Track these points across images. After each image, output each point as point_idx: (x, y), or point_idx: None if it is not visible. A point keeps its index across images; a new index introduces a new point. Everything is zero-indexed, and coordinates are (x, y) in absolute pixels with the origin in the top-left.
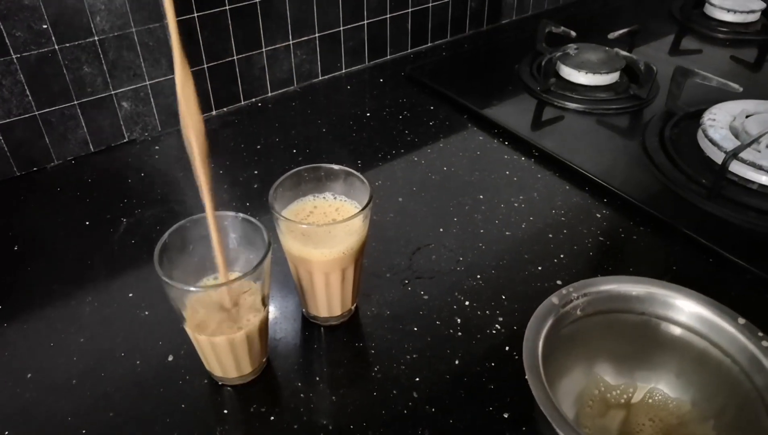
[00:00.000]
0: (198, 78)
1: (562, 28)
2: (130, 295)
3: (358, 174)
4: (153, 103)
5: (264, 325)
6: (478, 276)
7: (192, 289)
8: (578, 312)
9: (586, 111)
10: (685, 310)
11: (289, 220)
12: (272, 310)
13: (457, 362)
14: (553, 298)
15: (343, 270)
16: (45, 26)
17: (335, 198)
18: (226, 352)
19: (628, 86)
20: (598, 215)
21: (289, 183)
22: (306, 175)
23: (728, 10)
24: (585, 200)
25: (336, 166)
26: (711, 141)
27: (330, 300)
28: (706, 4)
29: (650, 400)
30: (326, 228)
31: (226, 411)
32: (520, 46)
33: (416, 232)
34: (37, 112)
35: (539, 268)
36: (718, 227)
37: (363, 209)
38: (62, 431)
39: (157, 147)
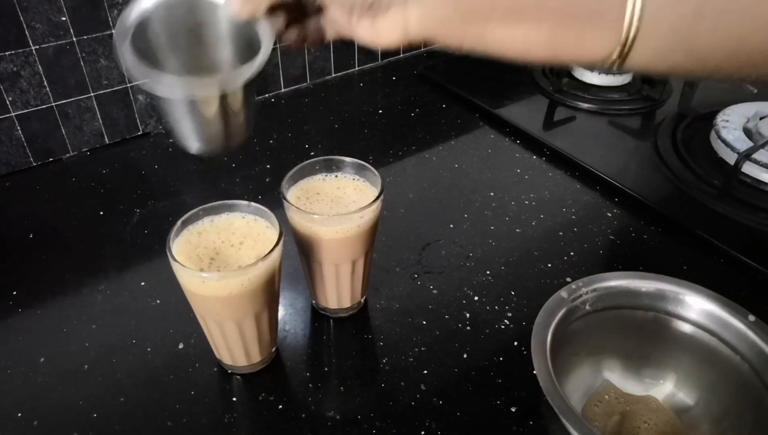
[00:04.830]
0: None
1: None
2: (142, 283)
3: (369, 166)
4: None
5: None
6: (488, 272)
7: None
8: (587, 307)
9: (599, 111)
10: (695, 307)
11: (299, 194)
12: (282, 301)
13: (465, 356)
14: (563, 293)
15: (353, 262)
16: (63, 18)
17: (345, 176)
18: (236, 340)
19: (640, 87)
20: (609, 214)
21: (301, 173)
22: (318, 167)
23: None
24: (596, 199)
25: (348, 159)
26: (724, 142)
27: (340, 291)
28: None
29: (645, 406)
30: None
31: (234, 399)
32: None
33: (426, 228)
34: (54, 104)
35: (549, 265)
36: (729, 228)
37: (378, 197)
38: (73, 415)
39: (170, 140)
